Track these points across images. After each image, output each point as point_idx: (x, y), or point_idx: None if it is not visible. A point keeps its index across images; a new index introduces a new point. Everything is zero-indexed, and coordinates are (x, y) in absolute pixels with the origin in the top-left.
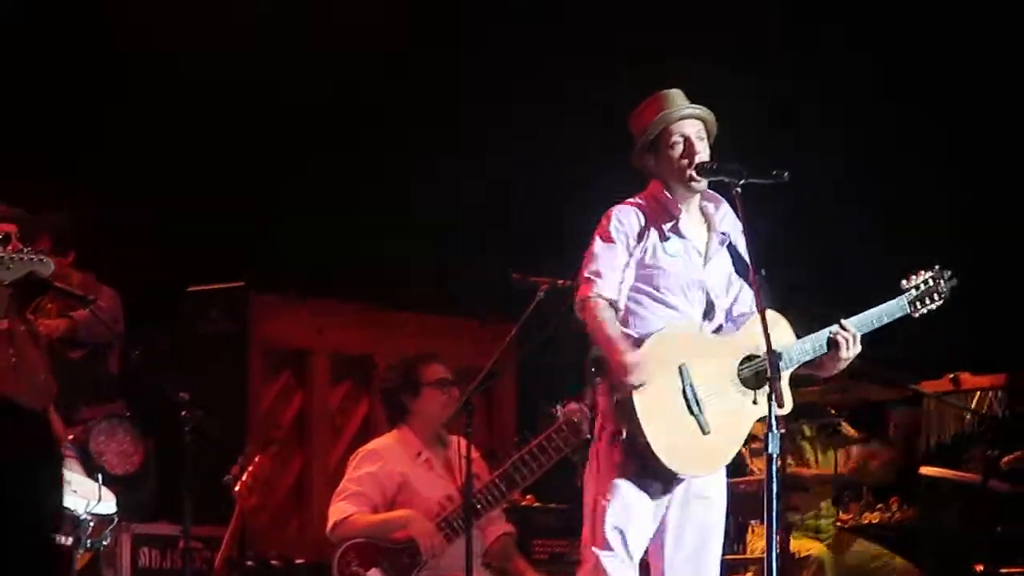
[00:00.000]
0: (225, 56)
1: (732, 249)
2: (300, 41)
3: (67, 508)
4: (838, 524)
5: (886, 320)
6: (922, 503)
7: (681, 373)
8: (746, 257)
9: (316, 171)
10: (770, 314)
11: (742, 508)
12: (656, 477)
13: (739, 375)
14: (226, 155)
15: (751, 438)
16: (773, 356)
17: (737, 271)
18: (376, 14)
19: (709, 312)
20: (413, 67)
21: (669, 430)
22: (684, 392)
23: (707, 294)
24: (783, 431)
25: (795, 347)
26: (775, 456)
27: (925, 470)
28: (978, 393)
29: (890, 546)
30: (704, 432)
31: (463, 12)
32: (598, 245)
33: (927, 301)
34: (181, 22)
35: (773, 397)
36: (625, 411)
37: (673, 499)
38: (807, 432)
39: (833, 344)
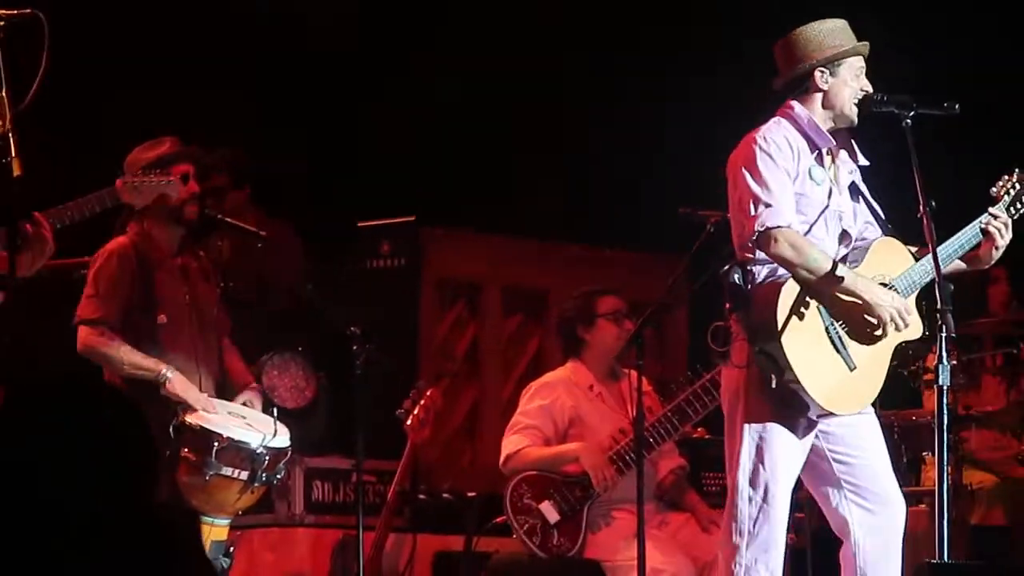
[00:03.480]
0: None
1: (855, 181)
2: None
3: (242, 442)
4: (1018, 457)
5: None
6: None
7: (820, 312)
8: (864, 189)
9: (489, 104)
10: (886, 240)
11: (915, 440)
12: (801, 418)
13: None
14: (397, 89)
15: (924, 370)
16: (943, 289)
17: (858, 202)
18: None
19: (843, 241)
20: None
21: (821, 371)
22: (827, 330)
23: (842, 222)
24: (955, 363)
25: (918, 268)
26: (945, 388)
27: None
28: None
29: None
30: (851, 368)
31: None
32: (764, 169)
33: (1019, 205)
34: None
35: (945, 329)
36: (774, 358)
37: (828, 430)
38: (992, 364)
39: (986, 234)
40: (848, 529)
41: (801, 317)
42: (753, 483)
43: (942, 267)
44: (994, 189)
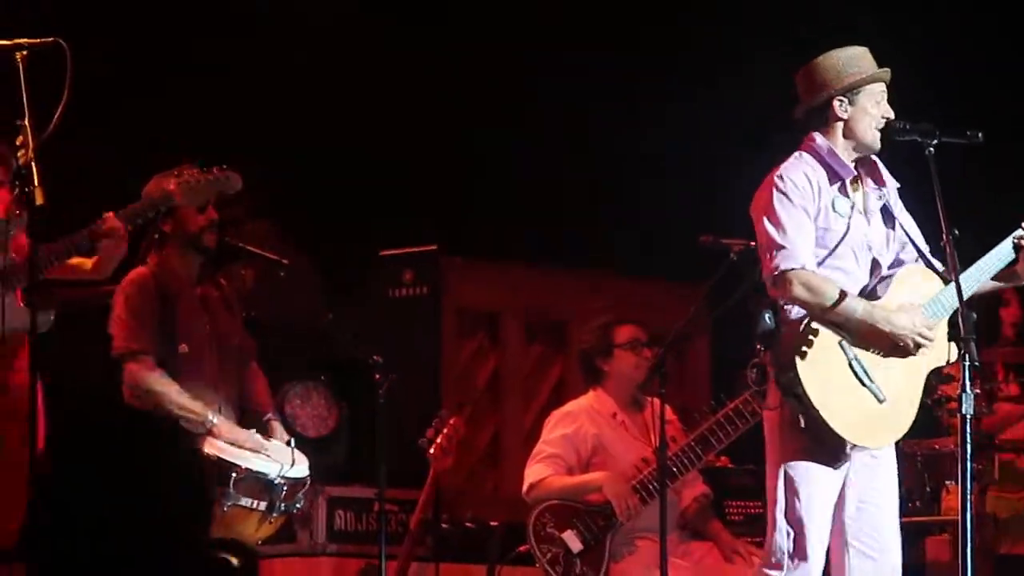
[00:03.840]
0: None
1: (888, 206)
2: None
3: (260, 473)
4: None
5: None
6: None
7: (842, 347)
8: (898, 213)
9: (508, 134)
10: (912, 267)
11: (937, 469)
12: (836, 453)
13: None
14: (416, 119)
15: (947, 399)
16: (966, 318)
17: (892, 227)
18: None
19: (874, 271)
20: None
21: (846, 407)
22: (851, 365)
23: (871, 252)
24: (978, 391)
25: (946, 292)
26: (968, 417)
27: None
28: None
29: None
30: (880, 400)
31: None
32: (780, 211)
33: None
34: None
35: (968, 358)
36: (799, 398)
37: (851, 468)
38: (1008, 393)
39: (1021, 250)
40: (847, 574)
41: (822, 354)
42: (789, 518)
43: (975, 286)
44: None
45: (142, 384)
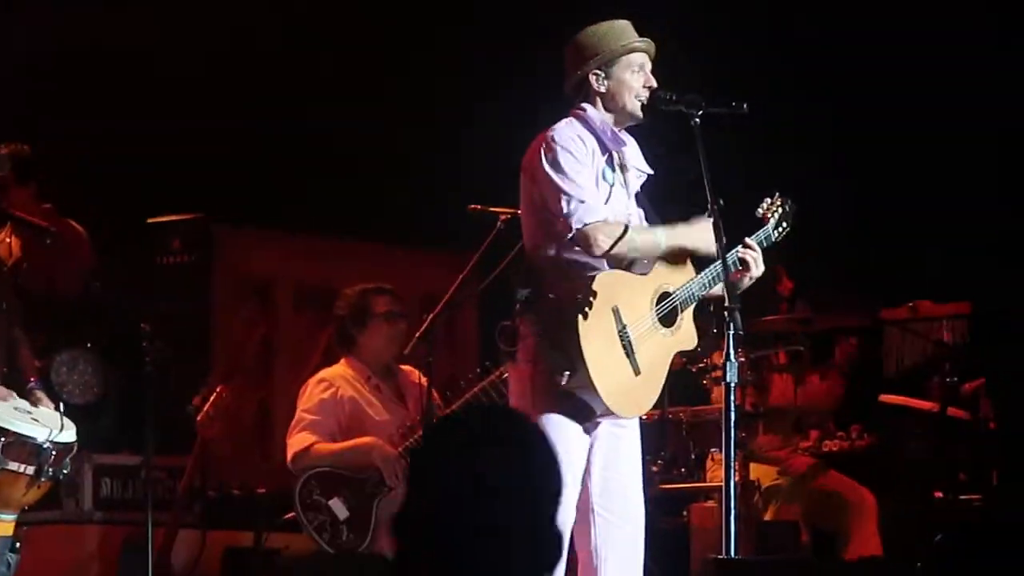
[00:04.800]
0: None
1: (640, 189)
2: None
3: (28, 437)
4: (798, 452)
5: (764, 245)
6: (882, 431)
7: (615, 315)
8: (637, 198)
9: (277, 101)
10: None
11: (703, 437)
12: (587, 414)
13: (657, 314)
14: (186, 86)
15: (712, 367)
16: (732, 287)
17: (642, 209)
18: None
19: None
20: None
21: (611, 372)
22: (620, 334)
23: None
24: (743, 360)
25: (697, 281)
26: (733, 385)
27: (885, 398)
28: (943, 321)
29: (850, 474)
30: (636, 373)
31: None
32: (567, 166)
33: (784, 225)
34: None
35: (733, 327)
36: (568, 356)
37: (596, 437)
38: (777, 362)
39: (743, 263)
40: (591, 541)
41: (599, 317)
42: None
43: (701, 293)
44: (759, 211)
45: None
